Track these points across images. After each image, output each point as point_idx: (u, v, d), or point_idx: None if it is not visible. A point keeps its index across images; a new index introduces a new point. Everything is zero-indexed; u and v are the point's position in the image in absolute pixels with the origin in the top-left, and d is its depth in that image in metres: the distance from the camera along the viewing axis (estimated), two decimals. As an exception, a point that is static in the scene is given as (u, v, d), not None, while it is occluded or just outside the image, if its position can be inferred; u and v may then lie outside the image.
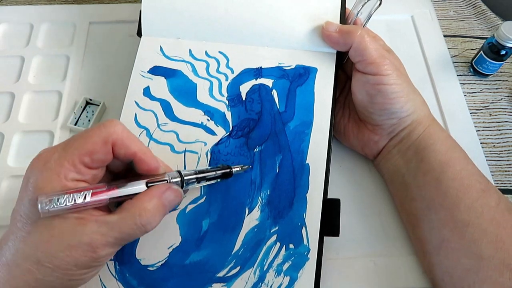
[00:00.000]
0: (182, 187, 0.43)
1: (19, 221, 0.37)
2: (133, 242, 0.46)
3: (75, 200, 0.36)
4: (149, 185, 0.40)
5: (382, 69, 0.48)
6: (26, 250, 0.36)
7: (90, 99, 0.60)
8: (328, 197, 0.49)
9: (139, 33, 0.55)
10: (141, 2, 0.54)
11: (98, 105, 0.59)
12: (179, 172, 0.43)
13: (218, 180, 0.48)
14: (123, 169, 0.43)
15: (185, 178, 0.43)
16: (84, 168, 0.38)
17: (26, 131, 0.59)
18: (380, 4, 0.50)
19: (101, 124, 0.39)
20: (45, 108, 0.61)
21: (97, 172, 0.40)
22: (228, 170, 0.47)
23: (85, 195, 0.37)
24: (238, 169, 0.48)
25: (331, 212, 0.48)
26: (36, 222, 0.36)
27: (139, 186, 0.40)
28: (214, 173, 0.46)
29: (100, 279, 0.45)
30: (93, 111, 0.60)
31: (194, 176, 0.44)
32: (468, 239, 0.45)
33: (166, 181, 0.41)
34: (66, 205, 0.36)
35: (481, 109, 0.64)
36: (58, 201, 0.35)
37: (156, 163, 0.41)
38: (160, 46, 0.55)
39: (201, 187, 0.49)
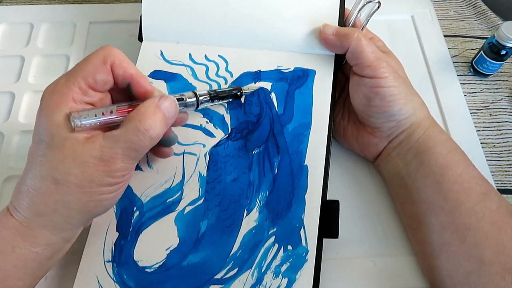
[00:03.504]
0: (197, 106, 0.47)
1: (35, 148, 0.39)
2: (131, 243, 0.47)
3: (103, 113, 0.39)
4: None
5: (379, 72, 0.48)
6: (43, 172, 0.38)
7: (90, 99, 0.60)
8: (327, 198, 0.49)
9: (140, 38, 0.56)
10: (141, 2, 0.54)
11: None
12: (194, 92, 0.46)
13: (230, 100, 0.52)
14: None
15: (200, 97, 0.47)
16: (90, 89, 0.40)
17: (26, 131, 0.59)
18: (379, 7, 0.50)
19: (99, 48, 0.41)
20: (45, 108, 0.61)
21: (103, 96, 0.42)
22: (238, 92, 0.51)
23: (111, 110, 0.40)
24: (247, 90, 0.52)
25: (330, 214, 0.48)
26: (50, 145, 0.38)
27: None
28: (225, 91, 0.51)
29: (98, 281, 0.45)
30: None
31: (207, 96, 0.48)
32: (469, 243, 0.45)
33: (182, 99, 0.45)
34: (95, 116, 0.39)
35: (481, 109, 0.64)
36: (88, 115, 0.38)
37: (152, 86, 0.43)
38: (161, 51, 0.55)
39: (199, 188, 0.49)
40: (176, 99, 0.43)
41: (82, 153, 0.38)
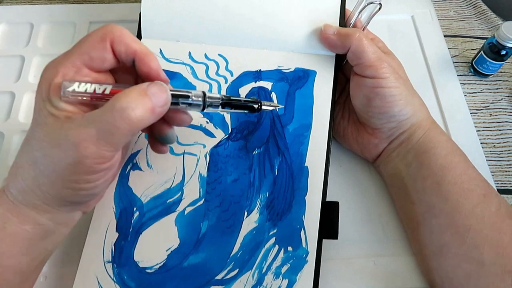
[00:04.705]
0: (203, 109, 0.41)
1: (31, 125, 0.38)
2: (131, 244, 0.47)
3: (95, 90, 0.37)
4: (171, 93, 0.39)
5: (379, 72, 0.48)
6: (28, 149, 0.37)
7: (90, 99, 0.60)
8: (327, 200, 0.49)
9: (139, 36, 0.55)
10: (141, 2, 0.54)
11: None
12: (203, 92, 0.41)
13: (245, 111, 0.45)
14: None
15: (209, 99, 0.41)
16: (86, 68, 0.38)
17: (26, 131, 0.58)
18: (380, 8, 0.50)
19: (100, 27, 0.38)
20: (45, 108, 0.61)
21: (99, 77, 0.39)
22: (256, 106, 0.45)
23: (105, 88, 0.37)
24: (268, 106, 0.46)
25: (330, 215, 0.48)
26: (37, 121, 0.37)
27: None
28: (241, 101, 0.44)
29: (98, 281, 0.45)
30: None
31: (219, 100, 0.42)
32: (469, 245, 0.45)
33: (188, 97, 0.40)
34: (86, 91, 0.36)
35: (481, 109, 0.64)
36: (79, 87, 0.36)
37: (158, 64, 0.40)
38: (160, 49, 0.55)
39: (199, 189, 0.49)
40: (181, 95, 0.39)
41: (59, 132, 0.35)
